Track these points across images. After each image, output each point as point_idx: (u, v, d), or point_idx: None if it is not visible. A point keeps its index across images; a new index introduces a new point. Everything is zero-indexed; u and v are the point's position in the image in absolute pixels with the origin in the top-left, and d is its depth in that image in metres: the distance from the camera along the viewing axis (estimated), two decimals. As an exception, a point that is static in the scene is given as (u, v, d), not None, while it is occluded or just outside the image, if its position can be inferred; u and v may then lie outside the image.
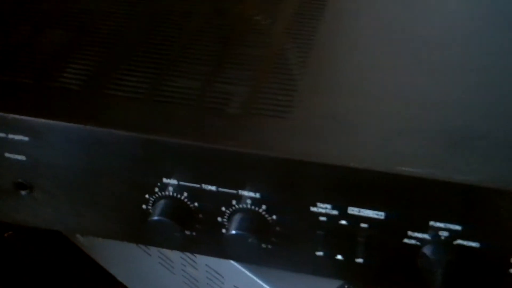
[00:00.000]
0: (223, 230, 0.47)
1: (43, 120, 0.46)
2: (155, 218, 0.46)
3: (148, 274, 0.61)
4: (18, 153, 0.48)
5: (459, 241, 0.43)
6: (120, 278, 0.66)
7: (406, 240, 0.44)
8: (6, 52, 0.52)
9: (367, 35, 0.54)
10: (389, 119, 0.46)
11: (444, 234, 0.43)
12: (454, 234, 0.43)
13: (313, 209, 0.45)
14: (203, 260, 0.53)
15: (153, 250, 0.58)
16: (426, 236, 0.44)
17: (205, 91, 0.48)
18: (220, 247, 0.48)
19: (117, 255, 0.65)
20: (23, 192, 0.50)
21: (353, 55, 0.53)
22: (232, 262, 0.51)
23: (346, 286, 0.49)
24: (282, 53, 0.53)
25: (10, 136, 0.47)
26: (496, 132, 0.45)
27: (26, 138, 0.47)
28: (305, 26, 0.55)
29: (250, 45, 0.53)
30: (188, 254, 0.54)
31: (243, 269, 0.50)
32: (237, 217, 0.46)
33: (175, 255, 0.56)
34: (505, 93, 0.48)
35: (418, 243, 0.44)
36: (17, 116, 0.46)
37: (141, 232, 0.49)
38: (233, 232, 0.45)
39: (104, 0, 0.58)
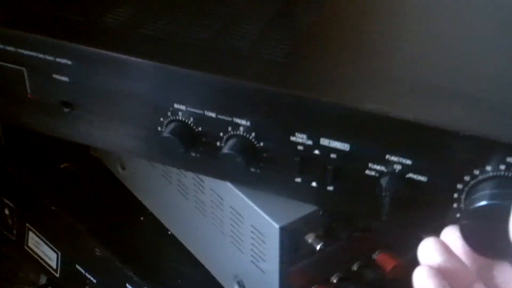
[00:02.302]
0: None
1: (82, 47, 0.56)
2: (165, 135, 0.56)
3: (168, 201, 0.71)
4: (63, 75, 0.59)
5: (410, 175, 0.51)
6: (148, 206, 0.77)
7: (367, 172, 0.52)
8: None
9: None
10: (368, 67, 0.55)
11: (398, 167, 0.51)
12: (406, 168, 0.51)
13: (292, 138, 0.53)
14: (208, 184, 0.62)
15: (173, 179, 0.68)
16: (383, 168, 0.52)
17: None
18: (218, 169, 0.58)
19: (145, 185, 0.75)
20: (66, 110, 0.61)
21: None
22: (229, 185, 0.60)
23: (320, 212, 0.57)
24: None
25: (57, 59, 0.58)
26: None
27: (69, 62, 0.58)
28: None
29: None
30: (198, 180, 0.64)
31: (238, 191, 0.59)
32: (230, 141, 0.55)
33: (189, 182, 0.65)
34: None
35: (377, 174, 0.52)
36: (63, 42, 0.57)
37: (155, 150, 0.59)
38: (225, 151, 0.54)
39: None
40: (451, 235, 0.48)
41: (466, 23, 0.62)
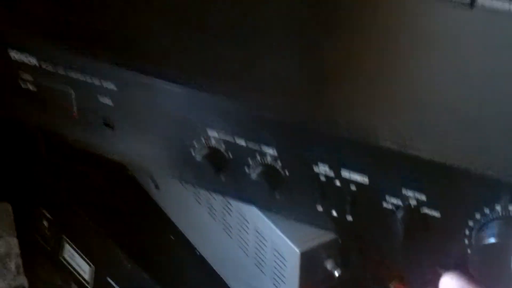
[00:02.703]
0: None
1: (126, 72, 0.61)
2: (198, 159, 0.60)
3: (197, 221, 0.75)
4: (107, 98, 0.63)
5: (425, 210, 0.54)
6: (178, 225, 0.81)
7: (384, 204, 0.55)
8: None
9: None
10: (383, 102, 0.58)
11: (413, 202, 0.54)
12: (420, 203, 0.54)
13: (315, 168, 0.57)
14: (235, 208, 0.66)
15: (203, 200, 0.72)
16: (399, 201, 0.55)
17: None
18: (245, 193, 0.61)
19: (177, 205, 0.79)
20: (108, 130, 0.65)
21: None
22: (255, 210, 0.63)
23: (339, 240, 0.60)
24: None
25: (103, 83, 0.62)
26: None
27: (114, 87, 0.62)
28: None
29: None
30: (226, 203, 0.67)
31: (263, 216, 0.63)
32: (258, 168, 0.59)
33: (217, 204, 0.69)
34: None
35: (393, 207, 0.55)
36: (108, 66, 0.61)
37: (187, 172, 0.63)
38: (253, 177, 0.58)
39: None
40: (448, 284, 0.51)
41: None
